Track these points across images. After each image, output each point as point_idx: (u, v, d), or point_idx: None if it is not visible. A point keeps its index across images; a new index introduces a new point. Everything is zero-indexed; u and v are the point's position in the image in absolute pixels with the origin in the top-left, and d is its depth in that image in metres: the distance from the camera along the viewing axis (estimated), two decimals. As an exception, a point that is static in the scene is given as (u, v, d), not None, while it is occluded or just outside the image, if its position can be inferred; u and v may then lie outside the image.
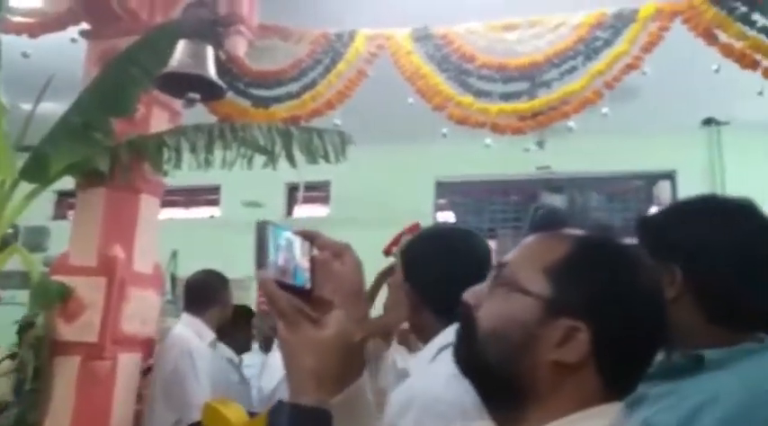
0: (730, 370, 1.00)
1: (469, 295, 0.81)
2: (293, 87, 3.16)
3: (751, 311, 1.06)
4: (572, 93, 2.88)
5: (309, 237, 0.74)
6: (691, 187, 5.16)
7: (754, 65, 2.65)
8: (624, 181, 5.73)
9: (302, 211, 5.97)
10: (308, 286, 0.71)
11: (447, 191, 6.06)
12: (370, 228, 5.19)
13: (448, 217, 6.20)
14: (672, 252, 1.08)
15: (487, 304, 0.78)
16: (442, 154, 4.97)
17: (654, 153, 5.20)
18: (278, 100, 3.18)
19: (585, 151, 5.01)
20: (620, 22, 2.80)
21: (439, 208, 6.07)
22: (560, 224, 0.85)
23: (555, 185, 5.81)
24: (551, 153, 5.02)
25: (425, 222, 5.95)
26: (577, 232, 0.81)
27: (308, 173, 4.13)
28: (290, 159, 3.00)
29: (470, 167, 5.33)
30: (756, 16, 2.61)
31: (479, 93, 3.04)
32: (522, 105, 2.97)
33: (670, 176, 5.48)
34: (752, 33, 2.64)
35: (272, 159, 3.00)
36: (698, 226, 1.11)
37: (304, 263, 0.72)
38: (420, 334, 1.37)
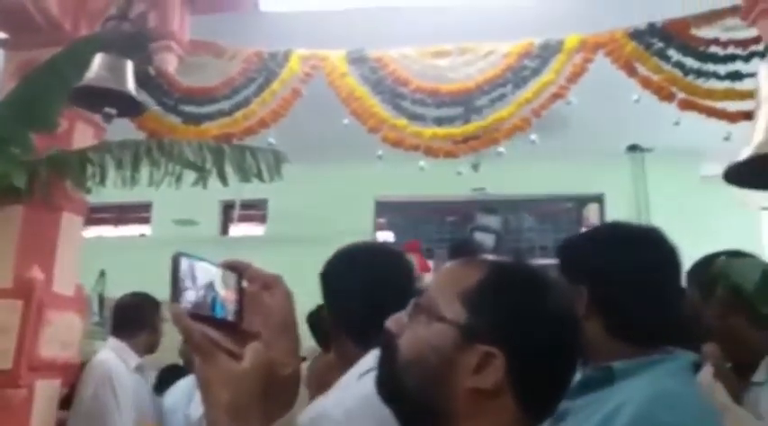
0: (638, 378, 1.08)
1: (391, 323, 0.81)
2: (225, 105, 3.11)
3: (647, 326, 1.16)
4: (502, 119, 2.96)
5: (238, 269, 0.73)
6: (618, 209, 5.40)
7: (670, 97, 2.80)
8: (555, 203, 5.92)
9: (238, 230, 5.87)
10: (230, 318, 0.70)
11: (386, 211, 6.09)
12: (308, 247, 5.13)
13: (387, 236, 6.23)
14: (580, 274, 1.19)
15: (408, 332, 0.78)
16: (382, 173, 4.99)
17: (583, 177, 5.41)
18: (210, 117, 3.12)
19: (519, 174, 5.16)
20: (546, 52, 2.91)
21: (378, 227, 6.09)
22: (479, 250, 0.87)
23: (490, 206, 5.93)
24: (486, 175, 5.13)
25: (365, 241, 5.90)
26: (493, 258, 0.83)
27: (244, 191, 4.08)
28: (222, 177, 2.95)
29: (409, 187, 5.38)
30: (671, 52, 2.77)
31: (413, 117, 3.09)
32: (455, 130, 3.03)
33: (598, 199, 5.70)
34: (668, 67, 2.79)
35: (202, 176, 2.94)
36: (602, 251, 1.21)
37: (229, 295, 0.70)
38: (342, 363, 1.31)
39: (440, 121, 3.12)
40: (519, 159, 4.41)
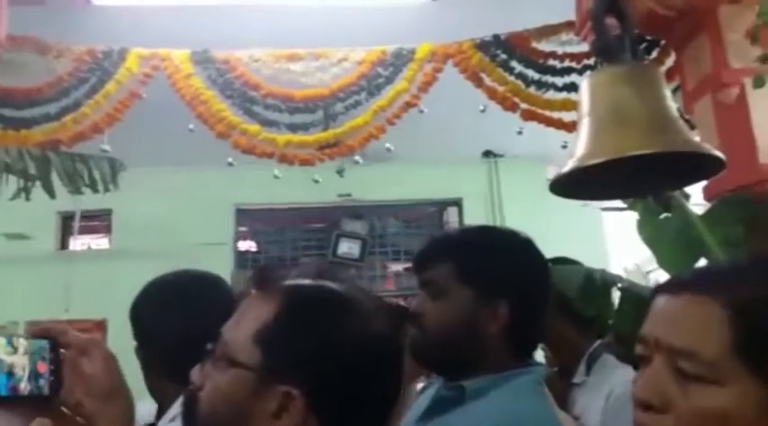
0: (488, 397, 1.04)
1: (195, 373, 0.74)
2: (52, 108, 2.79)
3: (531, 338, 1.14)
4: (357, 127, 2.93)
5: (51, 336, 0.66)
6: (475, 213, 5.62)
7: (514, 107, 2.92)
8: (418, 207, 6.05)
9: (79, 243, 5.36)
10: (24, 391, 0.62)
11: (248, 218, 5.86)
12: (161, 260, 4.74)
13: (249, 245, 6.01)
14: (493, 286, 1.11)
15: (207, 382, 0.71)
16: (243, 179, 4.79)
17: (443, 182, 5.57)
18: (34, 122, 2.78)
19: (383, 180, 5.20)
20: (399, 61, 2.92)
21: (240, 236, 5.85)
22: (285, 275, 0.78)
23: (356, 212, 5.93)
24: (351, 181, 5.11)
25: (225, 251, 5.62)
26: (291, 285, 0.75)
27: (86, 200, 3.70)
28: (48, 188, 2.64)
29: (272, 194, 5.21)
30: (514, 63, 2.89)
31: (266, 123, 2.97)
32: (310, 137, 2.95)
33: (457, 203, 5.89)
34: (511, 79, 2.91)
35: (25, 187, 2.62)
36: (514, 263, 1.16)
37: (39, 367, 0.63)
38: (158, 402, 1.20)
39: (294, 128, 3.03)
40: (382, 165, 4.45)
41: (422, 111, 2.99)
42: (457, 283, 1.10)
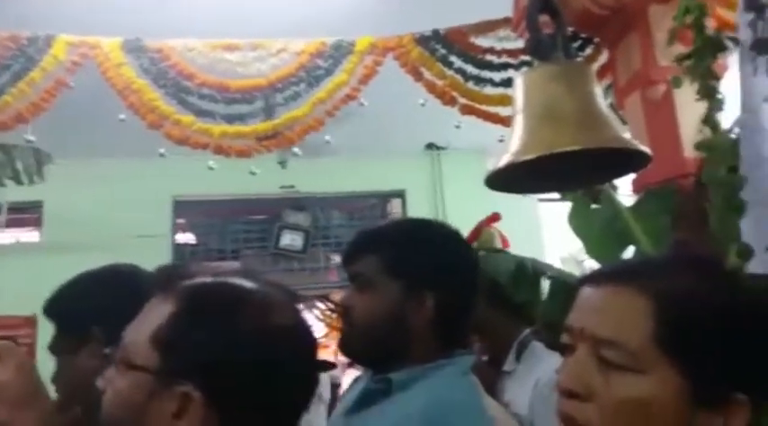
0: (415, 389, 1.04)
1: (101, 378, 0.73)
2: (-30, 96, 2.63)
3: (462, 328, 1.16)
4: (296, 118, 2.89)
5: None
6: (418, 204, 5.68)
7: (452, 101, 2.94)
8: (362, 199, 6.04)
9: (7, 237, 5.10)
10: None
11: (186, 210, 5.72)
12: (93, 253, 4.57)
13: (188, 237, 5.87)
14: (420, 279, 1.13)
15: (108, 387, 0.70)
16: (181, 170, 4.65)
17: (386, 174, 5.59)
18: (-50, 110, 2.62)
19: (326, 171, 5.17)
20: (338, 53, 2.89)
21: (178, 228, 5.70)
22: (183, 277, 0.76)
23: (298, 204, 5.88)
24: (294, 173, 5.05)
25: (162, 245, 5.49)
26: (188, 285, 0.74)
27: (14, 192, 3.53)
28: (-36, 181, 2.50)
29: (212, 185, 5.09)
30: (453, 58, 2.91)
31: (201, 113, 2.89)
32: (246, 128, 2.89)
33: (400, 195, 5.92)
34: (450, 73, 2.93)
35: (-60, 181, 2.47)
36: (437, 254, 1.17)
37: None
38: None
39: (231, 119, 2.96)
40: (325, 157, 4.42)
41: (362, 104, 2.98)
42: (383, 276, 1.11)
